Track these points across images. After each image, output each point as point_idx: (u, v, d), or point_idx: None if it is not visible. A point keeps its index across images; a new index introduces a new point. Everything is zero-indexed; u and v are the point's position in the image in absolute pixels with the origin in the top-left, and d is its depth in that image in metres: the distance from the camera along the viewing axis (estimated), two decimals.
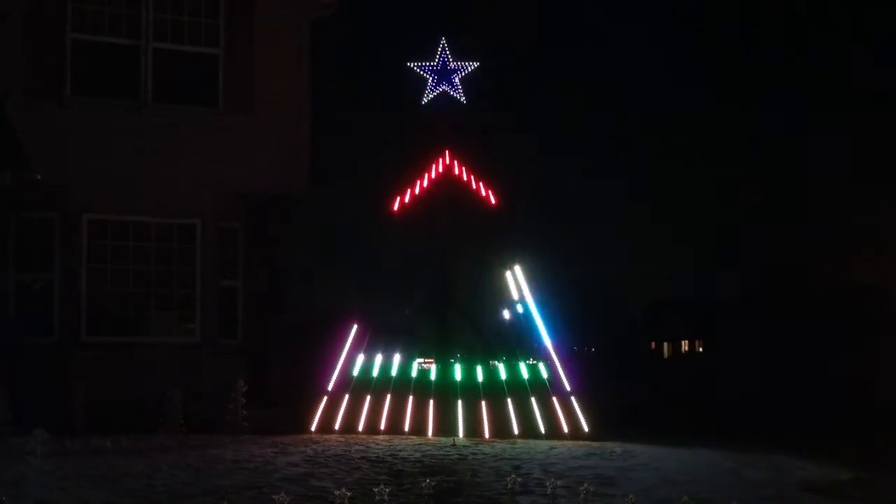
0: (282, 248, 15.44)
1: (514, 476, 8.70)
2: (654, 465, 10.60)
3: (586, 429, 13.93)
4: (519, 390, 14.24)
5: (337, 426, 13.98)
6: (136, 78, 14.72)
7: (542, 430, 13.86)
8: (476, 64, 15.54)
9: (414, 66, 15.50)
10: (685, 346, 69.28)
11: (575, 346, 48.58)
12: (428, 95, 15.45)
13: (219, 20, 15.18)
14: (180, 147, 14.84)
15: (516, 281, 15.17)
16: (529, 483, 8.95)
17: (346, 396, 14.22)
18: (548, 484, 8.12)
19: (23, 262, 14.22)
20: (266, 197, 15.14)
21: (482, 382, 14.33)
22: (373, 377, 14.45)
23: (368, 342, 14.75)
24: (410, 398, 14.11)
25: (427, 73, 15.44)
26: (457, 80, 15.38)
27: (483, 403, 13.94)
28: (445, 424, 13.78)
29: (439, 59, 15.42)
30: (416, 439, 13.11)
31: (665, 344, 70.69)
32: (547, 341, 14.70)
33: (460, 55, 15.48)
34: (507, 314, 15.76)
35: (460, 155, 15.65)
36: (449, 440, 12.95)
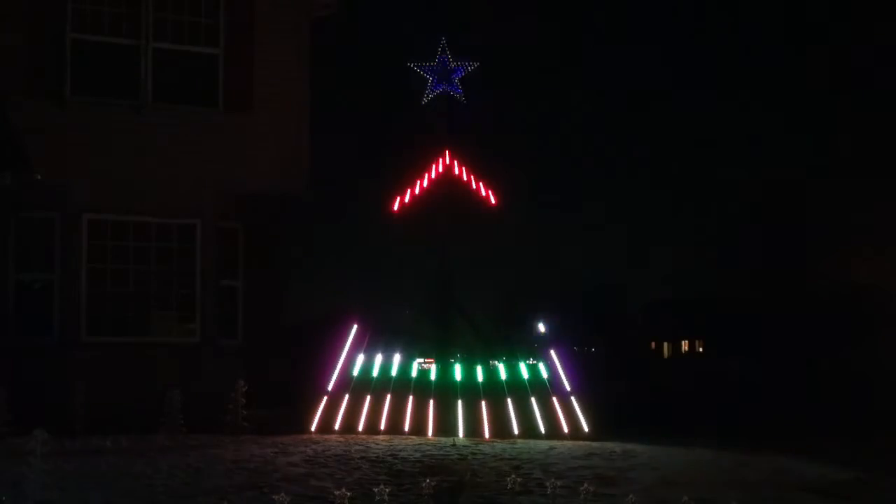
0: (282, 249, 15.44)
1: (514, 476, 8.70)
2: (654, 465, 10.60)
3: (586, 429, 13.93)
4: (519, 390, 14.24)
5: (337, 426, 13.97)
6: (136, 78, 14.71)
7: (542, 430, 13.86)
8: (476, 64, 15.55)
9: (414, 66, 15.51)
10: (685, 346, 69.31)
11: (575, 346, 48.60)
12: (428, 96, 15.46)
13: (219, 20, 15.17)
14: (180, 147, 14.84)
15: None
16: (529, 483, 8.94)
17: (346, 396, 14.21)
18: (548, 484, 8.13)
19: (23, 262, 14.22)
20: (266, 197, 15.14)
21: (482, 382, 14.33)
22: (373, 377, 14.44)
23: (368, 342, 14.75)
24: (410, 398, 14.10)
25: (427, 73, 15.45)
26: (457, 80, 15.39)
27: (483, 403, 13.94)
28: (445, 424, 13.77)
29: (439, 60, 15.43)
30: (416, 439, 13.11)
31: (665, 344, 70.72)
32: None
33: (460, 55, 15.49)
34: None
35: (460, 155, 15.66)
36: (449, 440, 12.95)
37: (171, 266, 14.83)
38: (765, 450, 12.31)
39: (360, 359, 14.59)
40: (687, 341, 68.66)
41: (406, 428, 13.86)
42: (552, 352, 14.87)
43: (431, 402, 14.03)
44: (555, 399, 14.19)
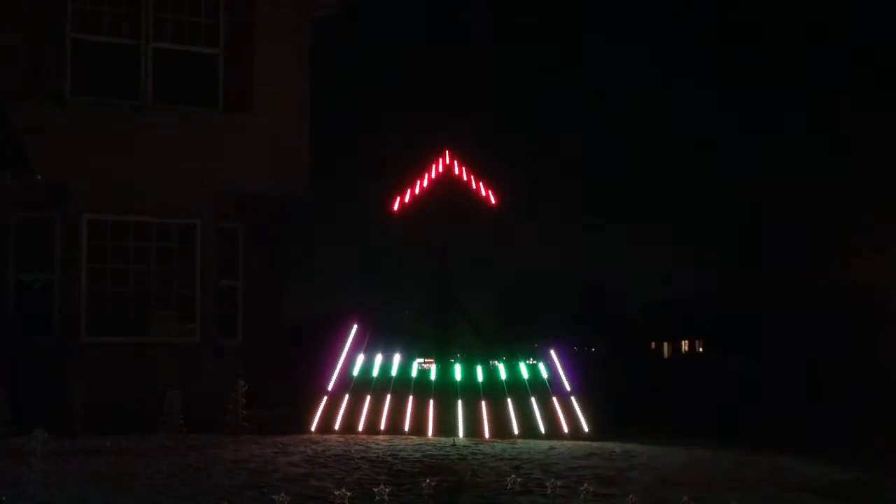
0: (282, 249, 15.44)
1: (514, 476, 8.70)
2: (653, 465, 10.59)
3: (586, 429, 13.94)
4: (519, 390, 14.25)
5: (337, 426, 13.97)
6: (136, 78, 14.71)
7: (542, 430, 13.86)
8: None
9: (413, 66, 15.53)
10: (685, 346, 69.33)
11: (575, 346, 48.61)
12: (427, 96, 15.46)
13: (219, 20, 15.17)
14: (180, 147, 14.83)
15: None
16: (529, 483, 8.94)
17: (346, 396, 14.21)
18: (548, 484, 8.13)
19: (23, 262, 14.22)
20: (266, 197, 15.13)
21: (482, 382, 14.34)
22: (373, 377, 14.44)
23: (368, 342, 14.75)
24: (410, 398, 14.10)
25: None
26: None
27: (483, 403, 13.94)
28: (445, 424, 13.77)
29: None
30: (416, 439, 13.11)
31: (665, 344, 70.73)
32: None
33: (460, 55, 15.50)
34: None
35: (460, 155, 15.66)
36: (449, 440, 12.95)
37: (171, 266, 14.83)
38: (765, 450, 12.32)
39: (360, 359, 14.59)
40: (687, 341, 68.67)
41: (406, 428, 13.86)
42: (552, 352, 14.88)
43: (431, 402, 14.03)
44: (555, 399, 14.19)
